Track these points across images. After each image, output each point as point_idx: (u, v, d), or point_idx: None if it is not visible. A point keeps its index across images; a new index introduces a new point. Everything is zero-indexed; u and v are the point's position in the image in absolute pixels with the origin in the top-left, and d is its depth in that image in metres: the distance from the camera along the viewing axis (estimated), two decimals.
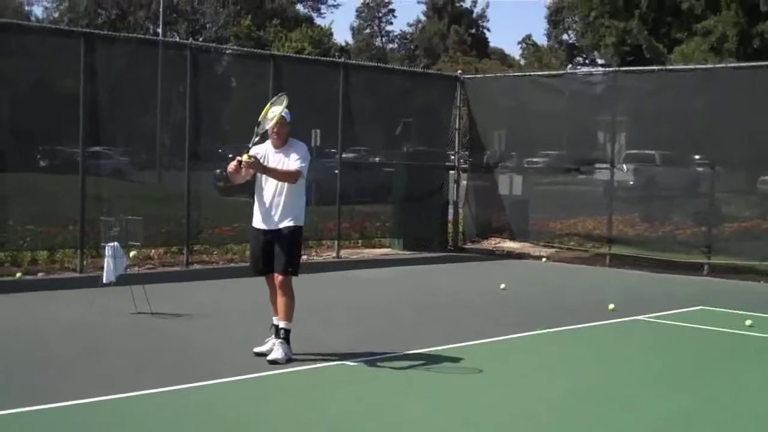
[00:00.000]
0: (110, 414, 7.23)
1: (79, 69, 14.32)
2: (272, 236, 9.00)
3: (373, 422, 7.31)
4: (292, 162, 8.95)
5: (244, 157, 8.77)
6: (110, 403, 7.42)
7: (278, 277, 8.99)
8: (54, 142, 15.60)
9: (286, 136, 9.06)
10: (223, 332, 10.53)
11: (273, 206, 8.98)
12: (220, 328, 10.78)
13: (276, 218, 8.98)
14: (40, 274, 14.07)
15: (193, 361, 9.00)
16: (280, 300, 9.01)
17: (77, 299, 11.85)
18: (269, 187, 9.01)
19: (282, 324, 9.00)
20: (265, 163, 8.95)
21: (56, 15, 65.37)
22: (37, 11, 67.33)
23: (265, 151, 9.07)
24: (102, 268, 11.32)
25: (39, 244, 14.52)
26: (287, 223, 8.97)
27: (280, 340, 8.95)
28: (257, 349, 9.14)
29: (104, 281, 11.07)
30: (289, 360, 8.85)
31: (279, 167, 8.95)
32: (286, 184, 8.96)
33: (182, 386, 7.96)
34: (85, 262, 14.33)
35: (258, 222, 9.12)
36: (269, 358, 8.87)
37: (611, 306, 12.59)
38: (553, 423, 7.37)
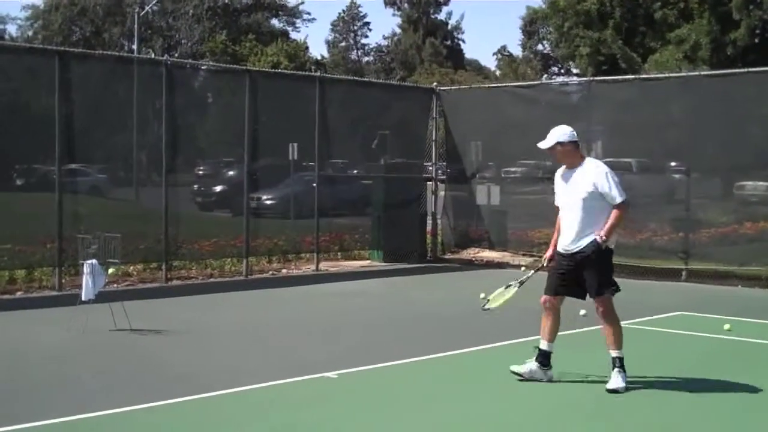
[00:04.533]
0: None
1: (54, 87, 14.29)
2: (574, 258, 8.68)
3: None
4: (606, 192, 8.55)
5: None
6: (88, 422, 7.38)
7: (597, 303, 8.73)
8: (30, 161, 15.54)
9: (564, 156, 8.84)
10: (202, 348, 10.50)
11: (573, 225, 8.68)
12: (200, 344, 10.75)
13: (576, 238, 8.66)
14: (18, 294, 13.99)
15: (172, 378, 8.96)
16: (606, 328, 8.75)
17: (56, 318, 11.79)
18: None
19: (614, 353, 8.70)
20: (561, 183, 8.82)
21: (30, 33, 65.18)
22: (11, 29, 67.02)
23: (560, 174, 8.92)
24: (80, 285, 11.29)
25: (16, 263, 14.44)
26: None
27: (617, 369, 8.62)
28: (515, 368, 8.86)
29: (83, 299, 11.02)
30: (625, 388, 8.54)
31: (574, 192, 8.65)
32: (581, 203, 8.59)
33: (161, 402, 7.92)
34: (63, 280, 14.27)
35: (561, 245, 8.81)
36: (609, 387, 8.52)
37: (582, 311, 12.65)
38: None
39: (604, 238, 8.48)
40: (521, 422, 7.70)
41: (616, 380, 8.56)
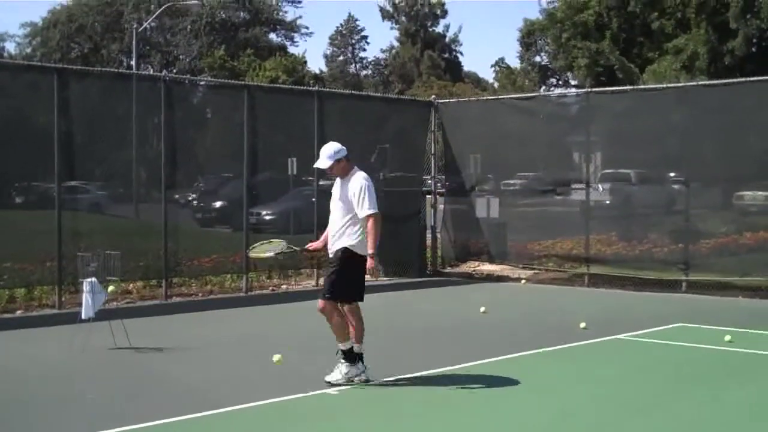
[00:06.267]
0: None
1: (53, 104, 14.29)
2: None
3: None
4: (359, 207, 9.33)
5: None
6: None
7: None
8: (30, 178, 15.53)
9: (341, 171, 9.46)
10: (203, 365, 10.48)
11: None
12: (201, 361, 10.73)
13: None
14: (18, 312, 13.96)
15: (173, 396, 8.95)
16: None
17: (56, 336, 11.77)
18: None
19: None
20: (336, 191, 9.49)
21: (29, 50, 65.24)
22: (10, 47, 67.09)
23: (338, 181, 9.54)
24: (80, 304, 11.27)
25: (16, 282, 14.42)
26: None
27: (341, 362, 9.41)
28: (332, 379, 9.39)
29: (83, 317, 11.00)
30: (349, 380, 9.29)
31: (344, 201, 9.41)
32: (341, 212, 9.47)
33: (164, 421, 7.91)
34: (63, 299, 14.24)
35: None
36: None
37: (582, 324, 12.63)
38: None
39: (371, 252, 9.35)
40: None
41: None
